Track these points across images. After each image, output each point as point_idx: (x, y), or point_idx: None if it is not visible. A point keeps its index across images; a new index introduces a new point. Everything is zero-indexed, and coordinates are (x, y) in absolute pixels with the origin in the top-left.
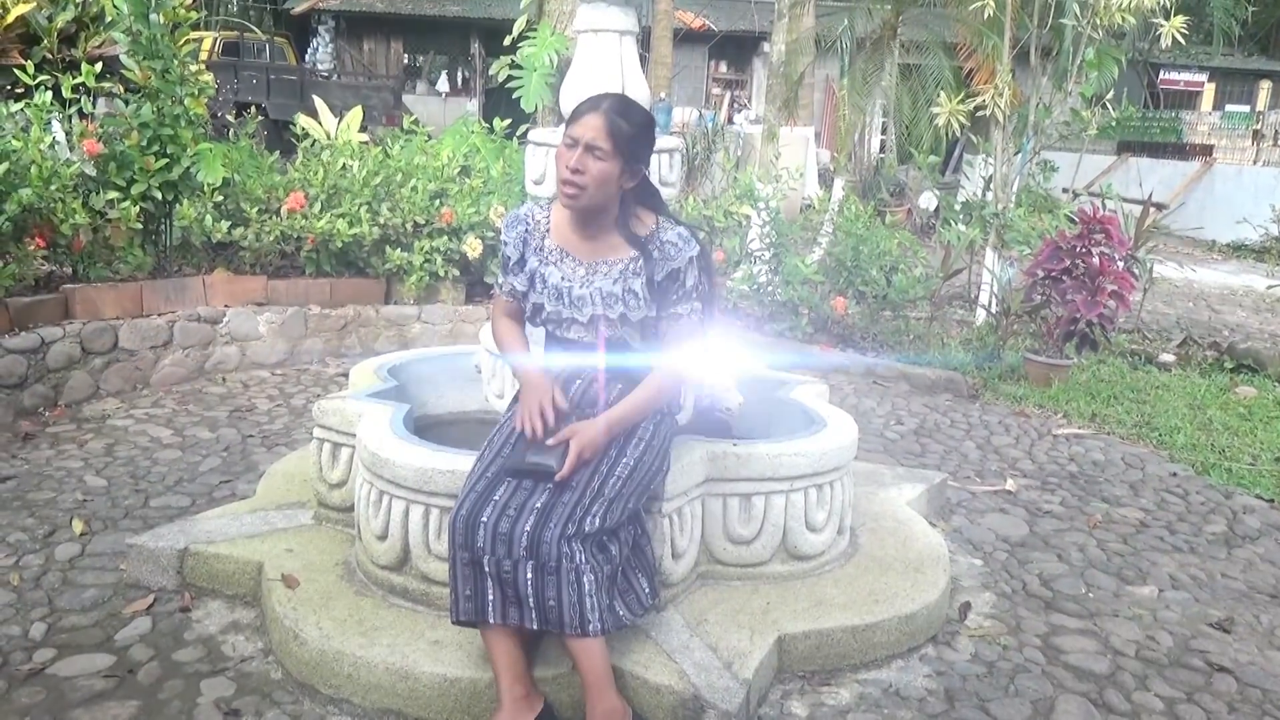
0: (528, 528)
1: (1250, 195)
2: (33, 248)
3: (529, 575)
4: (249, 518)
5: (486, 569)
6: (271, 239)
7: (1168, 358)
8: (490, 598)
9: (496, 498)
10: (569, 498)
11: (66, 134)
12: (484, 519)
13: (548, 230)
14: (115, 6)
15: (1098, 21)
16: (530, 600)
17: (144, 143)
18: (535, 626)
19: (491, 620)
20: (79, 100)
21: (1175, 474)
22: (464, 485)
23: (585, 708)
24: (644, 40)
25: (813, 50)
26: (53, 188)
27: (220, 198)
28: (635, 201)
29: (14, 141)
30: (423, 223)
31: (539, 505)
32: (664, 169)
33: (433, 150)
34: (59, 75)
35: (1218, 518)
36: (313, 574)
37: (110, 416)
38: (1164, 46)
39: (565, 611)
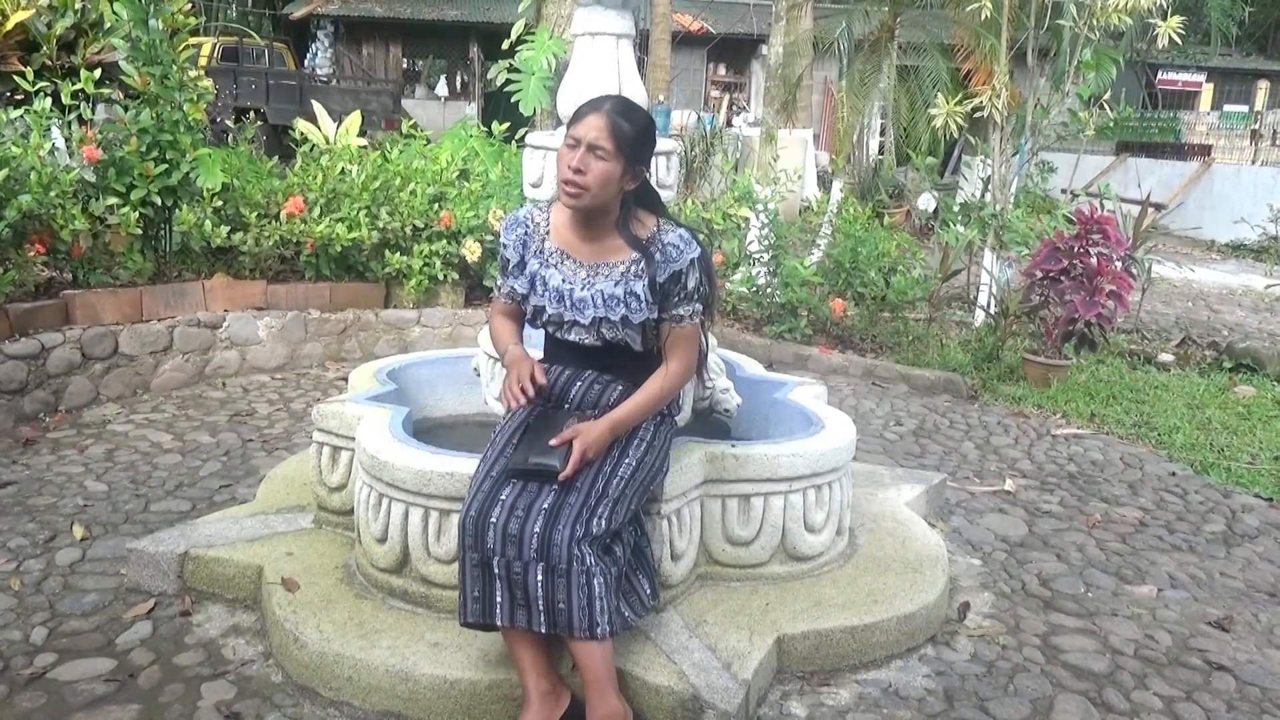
0: (537, 529)
1: (1249, 195)
2: (32, 254)
3: (539, 577)
4: (249, 522)
5: (496, 570)
6: (271, 244)
7: (1166, 357)
8: (498, 599)
9: (503, 498)
10: (574, 499)
11: (66, 140)
12: (493, 519)
13: (547, 232)
14: (114, 13)
15: (1095, 22)
16: (540, 603)
17: (143, 148)
18: (544, 630)
19: (499, 623)
20: (78, 106)
21: (1174, 473)
22: (470, 485)
23: (585, 708)
24: (642, 43)
25: (811, 52)
26: (52, 194)
27: (219, 203)
28: (636, 203)
29: (14, 148)
30: (421, 226)
31: (546, 506)
32: (661, 171)
33: (431, 154)
34: (58, 81)
35: (1216, 517)
36: (313, 577)
37: (110, 422)
38: (1161, 47)
39: (574, 614)
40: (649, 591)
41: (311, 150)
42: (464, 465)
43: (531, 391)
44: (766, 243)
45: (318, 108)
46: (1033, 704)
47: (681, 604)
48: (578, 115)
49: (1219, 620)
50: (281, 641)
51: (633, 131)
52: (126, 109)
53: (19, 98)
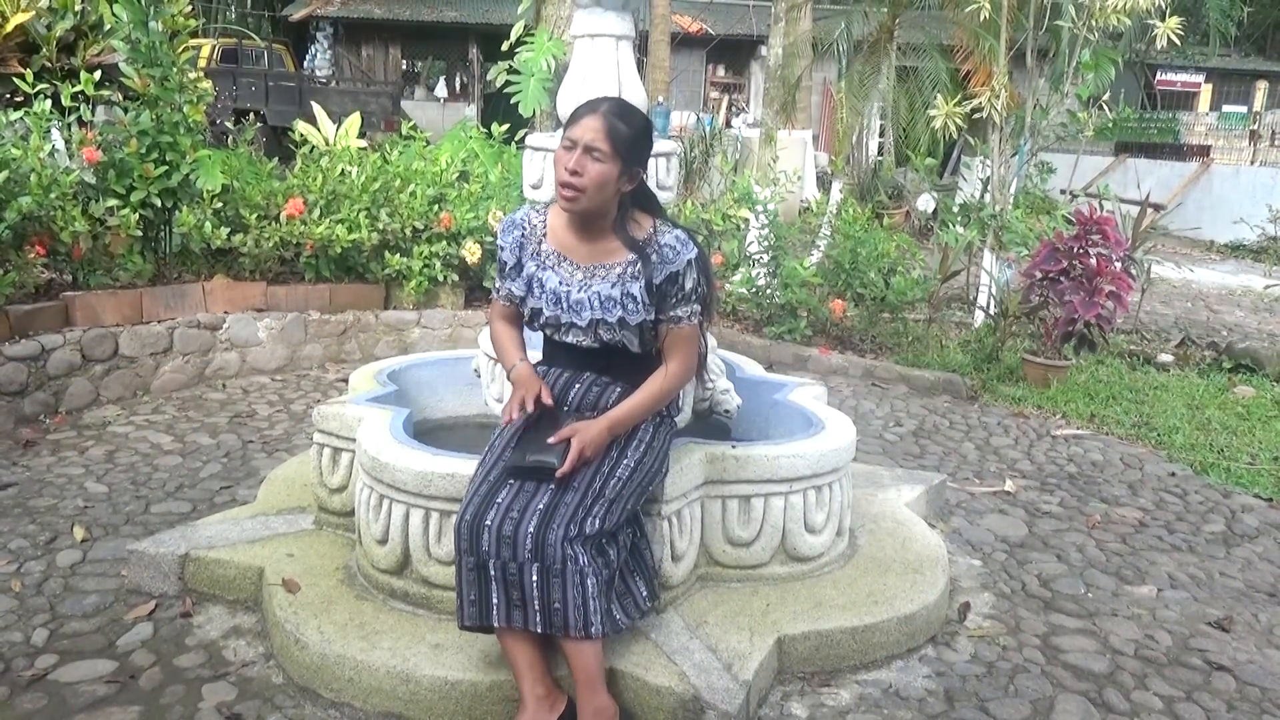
0: (531, 529)
1: (1248, 195)
2: (33, 255)
3: (534, 577)
4: (250, 523)
5: (492, 572)
6: (271, 245)
7: (1166, 358)
8: (495, 601)
9: (499, 500)
10: (571, 498)
11: (66, 142)
12: (488, 522)
13: (544, 234)
14: (114, 15)
15: (1094, 23)
16: (535, 603)
17: (143, 150)
18: (540, 630)
19: (496, 623)
20: (78, 108)
21: (1174, 474)
22: (467, 490)
23: (576, 706)
24: (642, 44)
25: (810, 53)
26: (52, 195)
27: (219, 204)
28: (633, 205)
29: (14, 150)
30: (421, 228)
31: (541, 506)
32: (661, 173)
33: (431, 155)
34: (58, 83)
35: (1216, 517)
36: (313, 578)
37: (111, 423)
38: (1160, 47)
39: (570, 613)
40: (645, 594)
41: (311, 152)
42: (464, 466)
43: (531, 409)
44: (766, 244)
45: (317, 109)
46: (1033, 704)
47: (682, 605)
48: (574, 117)
49: (1219, 620)
50: (282, 643)
51: (629, 133)
52: (126, 111)
53: (19, 100)
